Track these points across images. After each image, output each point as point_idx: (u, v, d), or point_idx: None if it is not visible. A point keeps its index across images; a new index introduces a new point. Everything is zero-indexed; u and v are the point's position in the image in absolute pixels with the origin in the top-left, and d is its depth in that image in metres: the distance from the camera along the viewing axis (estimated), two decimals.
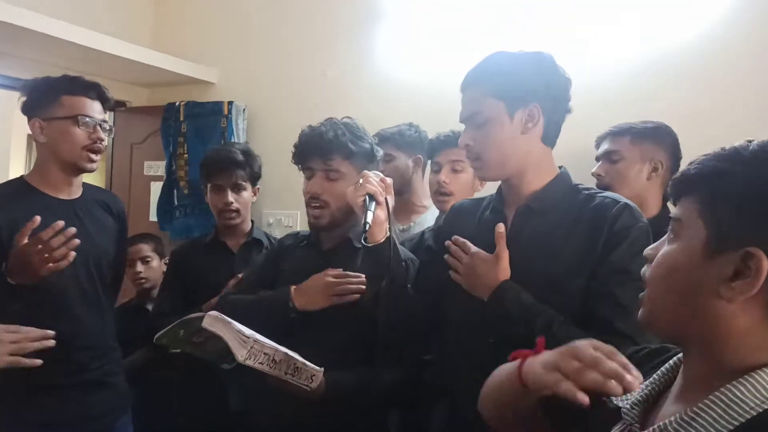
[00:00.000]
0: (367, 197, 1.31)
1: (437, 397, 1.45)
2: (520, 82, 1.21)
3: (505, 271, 1.18)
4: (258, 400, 1.58)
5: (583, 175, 1.54)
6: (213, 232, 2.20)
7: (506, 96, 1.21)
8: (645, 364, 0.84)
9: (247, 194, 2.10)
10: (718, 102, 2.13)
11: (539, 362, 0.79)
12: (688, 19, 2.19)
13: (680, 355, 0.78)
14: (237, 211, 2.08)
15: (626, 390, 0.68)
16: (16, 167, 4.65)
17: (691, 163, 0.72)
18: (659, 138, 1.80)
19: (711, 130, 2.09)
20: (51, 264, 1.51)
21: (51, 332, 1.37)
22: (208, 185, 2.12)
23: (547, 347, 1.10)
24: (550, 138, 1.26)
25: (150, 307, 2.40)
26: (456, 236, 1.27)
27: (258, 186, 2.17)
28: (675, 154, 1.81)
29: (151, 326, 1.69)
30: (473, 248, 1.23)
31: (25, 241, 1.51)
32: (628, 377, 0.68)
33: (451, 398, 1.33)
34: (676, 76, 2.19)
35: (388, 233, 1.33)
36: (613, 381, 0.67)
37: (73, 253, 1.54)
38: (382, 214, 1.33)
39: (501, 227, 1.20)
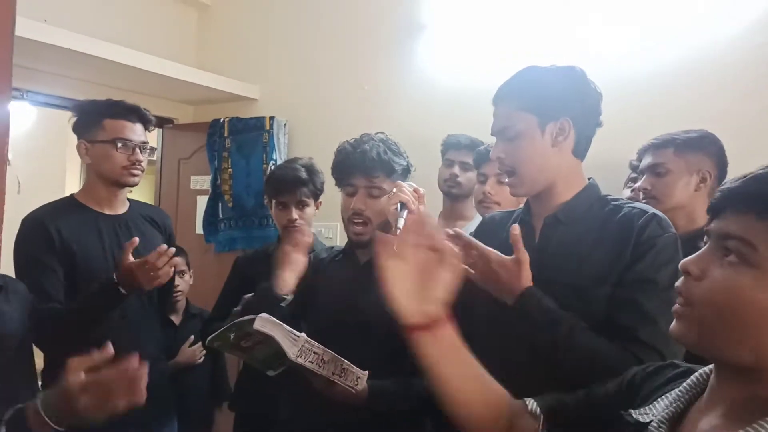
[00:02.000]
0: (399, 205, 1.32)
1: None
2: (551, 96, 1.20)
3: (527, 274, 1.16)
4: (303, 410, 1.61)
5: (613, 185, 1.51)
6: (276, 244, 2.26)
7: (537, 110, 1.20)
8: (649, 380, 0.84)
9: (310, 210, 2.14)
10: (755, 104, 2.07)
11: None
12: (724, 20, 2.14)
13: (703, 370, 0.76)
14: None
15: None
16: (72, 184, 4.87)
17: (754, 177, 0.68)
18: (704, 147, 1.75)
19: (750, 135, 2.04)
20: (156, 281, 1.67)
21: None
22: (273, 201, 2.16)
23: (569, 353, 1.10)
24: (580, 151, 1.25)
25: (174, 318, 2.48)
26: (456, 229, 1.23)
27: (320, 200, 2.22)
28: (722, 163, 1.75)
29: (205, 330, 1.74)
30: (486, 249, 1.18)
31: (130, 259, 1.65)
32: None
33: None
34: (713, 80, 2.14)
35: None
36: None
37: (172, 269, 1.71)
38: None
39: (516, 228, 1.16)
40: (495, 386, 0.94)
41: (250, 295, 1.60)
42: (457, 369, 0.89)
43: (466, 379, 0.91)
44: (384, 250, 0.86)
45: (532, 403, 0.93)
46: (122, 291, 1.67)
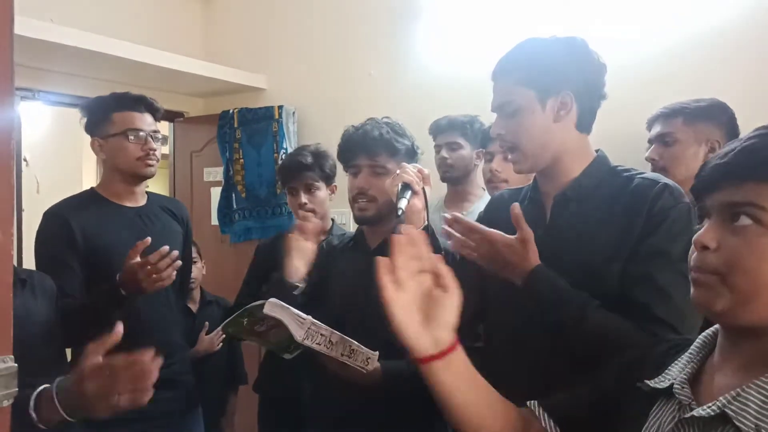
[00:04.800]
0: (400, 185, 1.32)
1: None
2: (551, 69, 1.17)
3: (534, 254, 1.14)
4: (326, 391, 1.63)
5: (631, 158, 1.49)
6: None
7: (536, 84, 1.17)
8: (673, 357, 0.84)
9: (321, 193, 2.18)
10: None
11: None
12: None
13: (708, 332, 0.78)
14: (312, 211, 2.15)
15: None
16: (88, 182, 4.94)
17: (746, 148, 0.70)
18: (714, 116, 1.72)
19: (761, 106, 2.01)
20: (158, 283, 1.62)
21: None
22: (285, 189, 2.23)
23: (582, 331, 1.09)
24: (585, 125, 1.22)
25: (192, 306, 2.55)
26: (455, 214, 1.23)
27: (335, 183, 2.23)
28: (732, 132, 1.72)
29: (226, 318, 1.77)
30: (489, 232, 1.17)
31: (137, 259, 1.61)
32: None
33: (497, 386, 1.32)
34: (728, 51, 2.11)
35: (426, 222, 1.35)
36: None
37: (174, 273, 1.64)
38: (419, 202, 1.34)
39: (516, 207, 1.14)
40: (504, 404, 0.91)
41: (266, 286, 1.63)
42: (471, 396, 0.86)
43: (481, 406, 0.87)
44: (385, 284, 0.82)
45: (538, 410, 0.90)
46: (123, 293, 1.62)
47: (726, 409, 0.67)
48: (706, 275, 0.71)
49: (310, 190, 2.15)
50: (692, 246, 0.74)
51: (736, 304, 0.69)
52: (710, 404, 0.69)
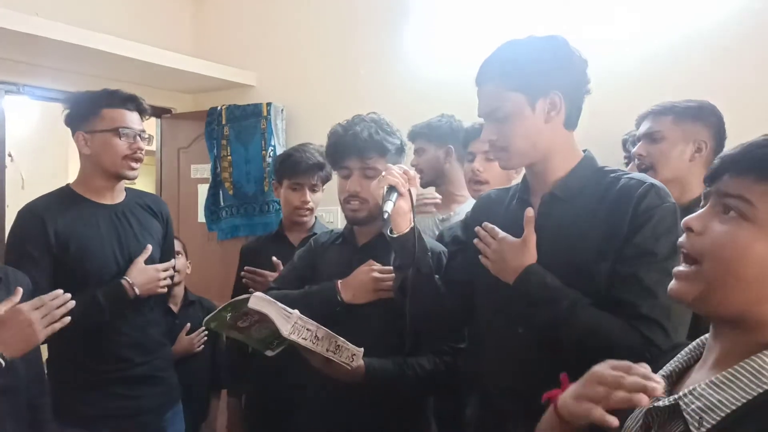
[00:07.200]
0: (385, 188, 1.32)
1: (471, 385, 1.45)
2: (538, 71, 1.18)
3: (531, 255, 1.16)
4: (311, 384, 1.63)
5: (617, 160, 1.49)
6: (278, 227, 2.29)
7: (525, 88, 1.18)
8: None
9: (318, 195, 2.21)
10: (760, 79, 2.05)
11: (570, 395, 0.82)
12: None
13: (703, 337, 0.80)
14: (311, 210, 2.16)
15: (651, 396, 0.71)
16: (74, 176, 4.87)
17: (753, 144, 0.73)
18: (703, 117, 1.74)
19: (755, 110, 2.03)
20: (159, 289, 1.89)
21: (68, 295, 1.44)
22: (285, 182, 2.18)
23: (571, 329, 1.10)
24: (571, 122, 1.23)
25: (172, 305, 2.47)
26: (485, 222, 1.26)
27: (324, 188, 2.25)
28: (719, 134, 1.74)
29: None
30: (501, 233, 1.22)
31: (163, 274, 1.89)
32: (651, 384, 0.71)
33: (482, 387, 1.33)
34: (716, 54, 2.13)
35: (412, 223, 1.35)
36: (639, 394, 0.71)
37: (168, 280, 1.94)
38: (405, 204, 1.33)
39: (530, 211, 1.18)
40: None
41: (316, 287, 1.60)
42: None
43: None
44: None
45: None
46: (137, 292, 1.79)
47: (680, 401, 0.71)
48: (688, 268, 0.75)
49: (313, 189, 2.16)
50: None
51: (706, 292, 0.72)
52: (670, 396, 0.73)
